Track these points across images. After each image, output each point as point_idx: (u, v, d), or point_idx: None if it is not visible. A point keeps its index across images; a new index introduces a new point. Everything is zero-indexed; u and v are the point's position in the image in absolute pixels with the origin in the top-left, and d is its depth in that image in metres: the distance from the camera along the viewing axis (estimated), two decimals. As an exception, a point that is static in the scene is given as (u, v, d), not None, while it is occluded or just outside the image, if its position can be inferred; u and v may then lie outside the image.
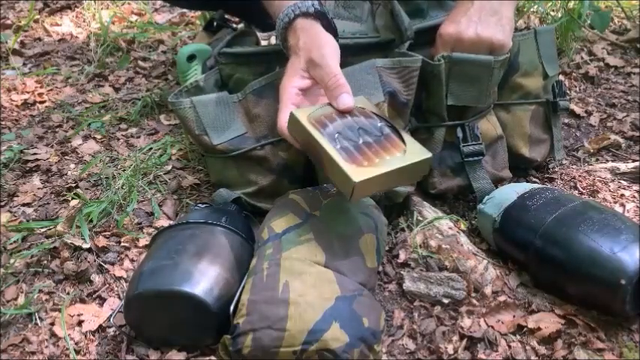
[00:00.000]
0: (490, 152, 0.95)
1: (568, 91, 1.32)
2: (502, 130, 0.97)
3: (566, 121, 1.21)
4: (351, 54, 0.88)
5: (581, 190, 1.00)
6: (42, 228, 0.93)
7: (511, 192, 0.86)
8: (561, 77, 1.36)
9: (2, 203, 1.00)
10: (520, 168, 1.03)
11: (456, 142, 0.92)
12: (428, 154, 0.72)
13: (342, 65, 0.80)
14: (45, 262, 0.86)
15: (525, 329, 0.73)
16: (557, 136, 1.04)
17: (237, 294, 0.71)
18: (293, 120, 0.75)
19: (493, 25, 0.87)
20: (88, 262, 0.85)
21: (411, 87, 0.87)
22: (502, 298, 0.77)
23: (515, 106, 0.99)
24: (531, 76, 0.98)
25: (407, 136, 0.74)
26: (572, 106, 1.25)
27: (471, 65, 0.86)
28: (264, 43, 1.09)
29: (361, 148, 0.71)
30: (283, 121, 0.78)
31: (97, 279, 0.84)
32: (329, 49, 0.79)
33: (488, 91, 0.90)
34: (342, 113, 0.76)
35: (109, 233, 0.91)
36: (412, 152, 0.72)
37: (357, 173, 0.68)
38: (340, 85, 0.76)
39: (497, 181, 0.96)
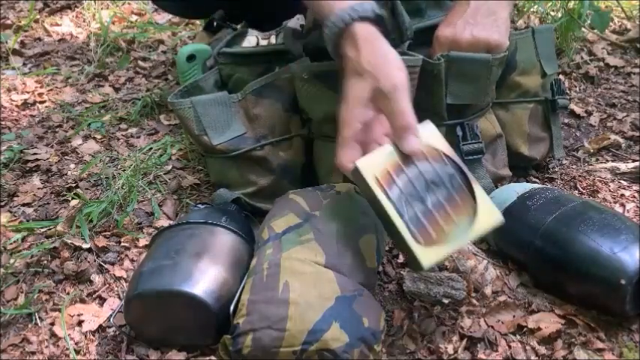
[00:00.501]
0: (490, 151, 0.95)
1: (568, 91, 1.32)
2: (501, 128, 0.97)
3: (566, 121, 1.21)
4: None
5: (581, 190, 1.00)
6: (42, 228, 0.93)
7: (511, 192, 0.86)
8: (561, 77, 1.36)
9: (2, 203, 1.00)
10: (520, 167, 1.03)
11: (456, 141, 0.92)
12: (499, 219, 0.67)
13: None
14: (45, 262, 0.86)
15: (525, 329, 0.73)
16: (557, 134, 1.04)
17: (237, 294, 0.71)
18: (357, 174, 0.70)
19: (489, 26, 0.87)
20: (88, 262, 0.85)
21: (411, 87, 0.87)
22: (502, 298, 0.77)
23: (514, 105, 0.99)
24: (529, 74, 0.98)
25: (477, 188, 0.69)
26: (572, 106, 1.25)
27: (469, 64, 0.87)
28: (263, 43, 1.08)
29: (431, 214, 0.67)
30: (345, 160, 0.71)
31: (97, 279, 0.84)
32: (400, 77, 0.70)
33: (486, 89, 0.90)
34: (409, 157, 0.70)
35: (109, 233, 0.91)
36: (482, 215, 0.67)
37: (427, 255, 0.65)
38: (408, 126, 0.69)
39: (497, 180, 0.96)
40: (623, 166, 1.03)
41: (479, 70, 0.87)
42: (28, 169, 1.09)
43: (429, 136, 0.71)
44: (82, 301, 0.81)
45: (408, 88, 0.71)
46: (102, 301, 0.81)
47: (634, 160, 1.07)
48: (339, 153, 0.72)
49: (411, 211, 0.67)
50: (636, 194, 0.97)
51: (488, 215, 0.67)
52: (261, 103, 0.89)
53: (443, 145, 0.71)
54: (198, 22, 1.74)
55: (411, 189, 0.68)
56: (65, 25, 1.75)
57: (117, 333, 0.75)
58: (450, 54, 0.86)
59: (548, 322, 0.73)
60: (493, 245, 0.86)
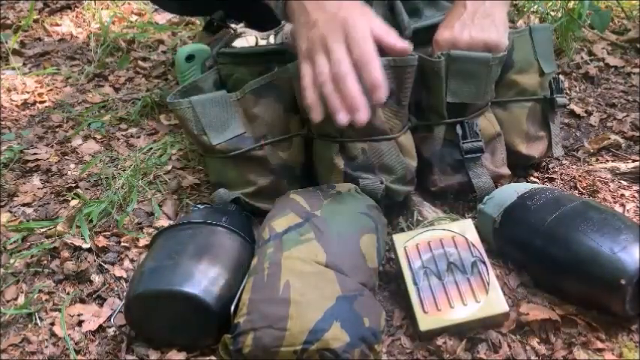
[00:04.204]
0: (489, 149, 0.95)
1: (568, 91, 1.32)
2: (499, 127, 0.97)
3: (566, 121, 1.21)
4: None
5: (581, 190, 1.00)
6: (42, 228, 0.93)
7: (511, 192, 0.86)
8: (561, 77, 1.36)
9: (2, 203, 1.00)
10: (520, 167, 1.03)
11: (455, 140, 0.92)
12: (504, 309, 0.72)
13: None
14: (45, 262, 0.86)
15: (526, 329, 0.73)
16: (555, 132, 1.03)
17: (238, 294, 0.71)
18: (392, 244, 0.79)
19: (487, 27, 0.88)
20: (88, 262, 0.85)
21: (405, 87, 0.88)
22: (502, 298, 0.77)
23: (512, 104, 0.99)
24: (526, 73, 0.98)
25: (492, 278, 0.74)
26: (572, 106, 1.25)
27: (469, 62, 0.87)
28: (262, 43, 1.08)
29: (444, 288, 0.73)
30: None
31: (97, 279, 0.84)
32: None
33: (486, 88, 0.91)
34: (440, 241, 0.77)
35: (109, 233, 0.91)
36: (489, 303, 0.72)
37: (426, 322, 0.71)
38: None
39: (497, 179, 0.96)
40: (623, 166, 1.03)
41: (479, 68, 0.88)
42: (28, 169, 1.09)
43: (465, 229, 0.79)
44: (82, 301, 0.81)
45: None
46: (102, 301, 0.81)
47: (634, 160, 1.07)
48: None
49: (426, 282, 0.74)
50: (636, 194, 0.97)
51: (496, 304, 0.72)
52: (260, 102, 0.89)
53: (474, 238, 0.78)
54: (197, 22, 1.74)
55: (433, 265, 0.76)
56: (65, 25, 1.75)
57: (117, 333, 0.75)
58: (451, 52, 0.86)
59: (541, 311, 0.73)
60: (493, 245, 0.86)
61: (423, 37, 0.92)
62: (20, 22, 1.73)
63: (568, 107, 1.22)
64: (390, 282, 0.82)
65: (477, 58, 0.87)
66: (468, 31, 0.87)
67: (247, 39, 1.08)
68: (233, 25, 1.11)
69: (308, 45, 0.74)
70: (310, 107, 0.74)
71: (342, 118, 0.70)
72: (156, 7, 1.67)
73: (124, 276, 0.84)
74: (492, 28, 0.88)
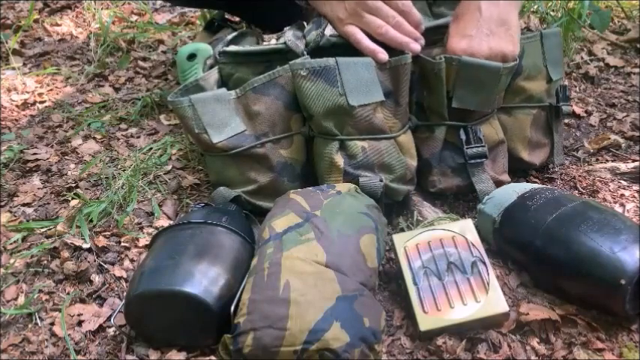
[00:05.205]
0: (491, 156, 0.94)
1: (568, 91, 1.32)
2: (503, 132, 0.97)
3: (566, 121, 1.21)
4: (349, 55, 0.88)
5: (581, 190, 1.00)
6: (42, 228, 0.93)
7: (511, 192, 0.86)
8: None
9: (2, 203, 1.00)
10: (519, 169, 1.03)
11: (459, 144, 0.92)
12: (504, 309, 0.72)
13: None
14: (45, 262, 0.86)
15: (526, 329, 0.73)
16: (558, 140, 1.03)
17: (238, 293, 0.71)
18: (392, 244, 0.79)
19: (504, 37, 0.87)
20: (88, 262, 0.85)
21: (402, 85, 0.88)
22: (502, 298, 0.77)
23: (517, 110, 0.99)
24: (535, 79, 0.98)
25: (492, 278, 0.74)
26: (572, 106, 1.25)
27: (479, 70, 0.86)
28: (264, 43, 1.08)
29: (444, 288, 0.74)
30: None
31: (97, 279, 0.84)
32: None
33: (494, 97, 0.90)
34: (440, 241, 0.77)
35: (109, 233, 0.91)
36: (489, 303, 0.72)
37: (426, 322, 0.71)
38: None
39: (496, 185, 0.96)
40: (623, 166, 1.03)
41: (488, 77, 0.87)
42: (28, 169, 1.09)
43: (465, 229, 0.79)
44: (82, 301, 0.81)
45: None
46: (102, 301, 0.81)
47: (634, 160, 1.07)
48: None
49: (426, 282, 0.74)
50: (636, 194, 0.97)
51: (495, 304, 0.72)
52: (261, 100, 0.89)
53: (474, 238, 0.78)
54: (198, 21, 1.74)
55: (433, 265, 0.76)
56: (65, 25, 1.75)
57: (117, 333, 0.75)
58: (462, 58, 0.86)
59: (541, 311, 0.73)
60: (493, 245, 0.86)
61: (427, 38, 0.92)
62: (20, 22, 1.73)
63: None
64: (390, 282, 0.82)
65: (487, 67, 0.86)
66: (487, 42, 0.86)
67: (250, 39, 1.07)
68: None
69: (349, 11, 0.89)
70: (374, 52, 0.87)
71: (416, 46, 0.88)
72: (156, 6, 1.67)
73: (124, 276, 0.84)
74: (508, 38, 0.87)
